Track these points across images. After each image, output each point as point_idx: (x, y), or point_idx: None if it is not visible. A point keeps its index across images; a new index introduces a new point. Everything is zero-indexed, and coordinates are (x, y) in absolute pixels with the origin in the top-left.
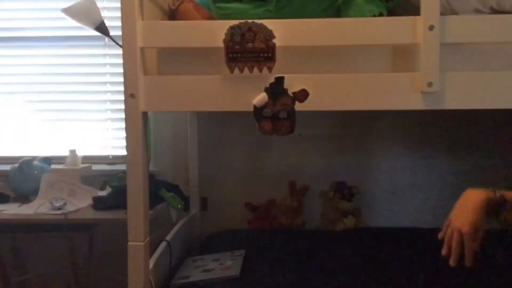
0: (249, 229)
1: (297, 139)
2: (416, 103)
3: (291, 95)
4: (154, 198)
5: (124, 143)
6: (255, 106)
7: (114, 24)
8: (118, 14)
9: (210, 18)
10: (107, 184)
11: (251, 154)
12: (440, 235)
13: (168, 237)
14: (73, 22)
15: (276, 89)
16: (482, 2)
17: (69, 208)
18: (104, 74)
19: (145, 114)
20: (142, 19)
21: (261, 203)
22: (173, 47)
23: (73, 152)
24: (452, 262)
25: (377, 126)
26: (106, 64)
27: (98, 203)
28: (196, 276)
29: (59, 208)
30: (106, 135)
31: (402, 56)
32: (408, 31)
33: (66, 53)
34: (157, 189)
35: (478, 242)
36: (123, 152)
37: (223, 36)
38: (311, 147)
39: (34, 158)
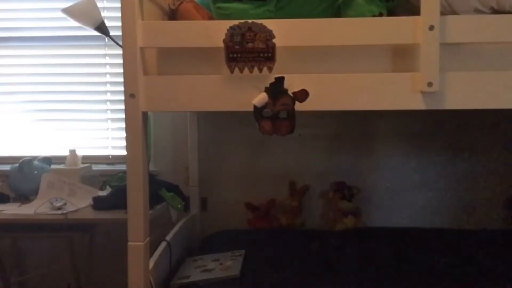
0: (249, 229)
1: (297, 139)
2: (416, 103)
3: (291, 95)
4: (154, 198)
5: (124, 143)
6: (255, 106)
7: (114, 24)
8: (118, 14)
9: (210, 18)
10: (107, 184)
11: (251, 154)
12: None
13: (168, 237)
14: (73, 22)
15: (276, 89)
16: (482, 2)
17: (69, 208)
18: (104, 74)
19: (145, 114)
20: (142, 19)
21: (261, 203)
22: (173, 47)
23: (73, 152)
24: None
25: (377, 126)
26: (106, 64)
27: (98, 203)
28: (196, 276)
29: (59, 208)
30: (106, 135)
31: (402, 56)
32: (408, 31)
33: (66, 53)
34: (157, 189)
35: None
36: (123, 152)
37: (223, 36)
38: (311, 147)
39: (34, 158)
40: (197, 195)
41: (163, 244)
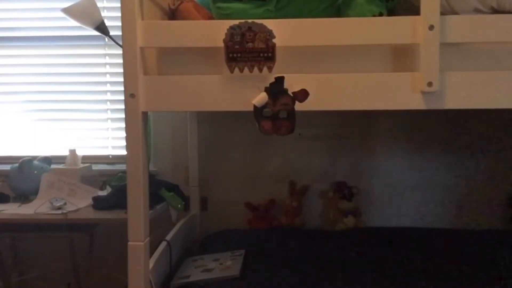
0: (249, 229)
1: (297, 139)
2: (416, 103)
3: (291, 95)
4: (154, 198)
5: (124, 143)
6: (255, 106)
7: (114, 24)
8: (118, 14)
9: (210, 18)
10: (107, 184)
11: (251, 154)
12: None
13: (168, 237)
14: (73, 22)
15: (276, 89)
16: (482, 2)
17: (69, 208)
18: (104, 74)
19: (145, 114)
20: (142, 19)
21: (261, 203)
22: (173, 47)
23: (73, 152)
24: None
25: (377, 126)
26: (106, 64)
27: (98, 203)
28: (196, 276)
29: (59, 208)
30: (106, 135)
31: (402, 56)
32: (408, 31)
33: (66, 53)
34: (157, 189)
35: None
36: (123, 152)
37: (223, 36)
38: (311, 147)
39: (34, 158)
40: (197, 195)
41: (163, 244)
